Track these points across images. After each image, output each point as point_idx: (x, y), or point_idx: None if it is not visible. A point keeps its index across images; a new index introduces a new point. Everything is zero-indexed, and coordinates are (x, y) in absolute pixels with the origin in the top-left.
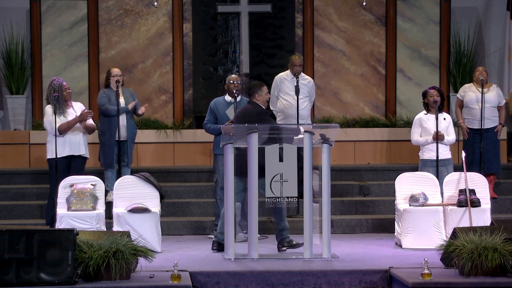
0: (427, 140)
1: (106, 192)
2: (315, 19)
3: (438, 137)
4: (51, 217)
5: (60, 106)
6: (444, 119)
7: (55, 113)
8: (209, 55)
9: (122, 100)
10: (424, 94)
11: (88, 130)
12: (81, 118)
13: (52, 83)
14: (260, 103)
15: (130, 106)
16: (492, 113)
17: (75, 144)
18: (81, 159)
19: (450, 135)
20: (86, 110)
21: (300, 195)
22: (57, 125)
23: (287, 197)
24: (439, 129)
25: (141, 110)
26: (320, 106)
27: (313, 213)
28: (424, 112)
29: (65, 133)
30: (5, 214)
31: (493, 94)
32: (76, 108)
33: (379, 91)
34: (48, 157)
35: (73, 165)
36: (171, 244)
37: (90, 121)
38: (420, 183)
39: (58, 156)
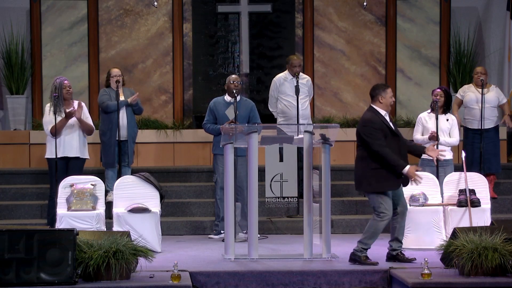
0: (424, 140)
1: (106, 192)
2: (315, 19)
3: (437, 137)
4: (52, 217)
5: (58, 105)
6: (447, 120)
7: (55, 113)
8: (209, 55)
9: (122, 100)
10: (432, 93)
11: (86, 131)
12: (67, 118)
13: (55, 81)
14: (381, 108)
15: (130, 100)
16: (492, 113)
17: (70, 146)
18: (78, 160)
19: (454, 136)
20: (71, 110)
21: (300, 195)
22: (51, 127)
23: (287, 197)
24: (439, 130)
25: (131, 99)
26: (320, 106)
27: (313, 213)
28: (428, 111)
29: (59, 134)
30: (5, 214)
31: (493, 94)
32: (76, 107)
33: None
34: (46, 156)
35: (70, 166)
36: (171, 244)
37: (88, 122)
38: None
39: (52, 157)
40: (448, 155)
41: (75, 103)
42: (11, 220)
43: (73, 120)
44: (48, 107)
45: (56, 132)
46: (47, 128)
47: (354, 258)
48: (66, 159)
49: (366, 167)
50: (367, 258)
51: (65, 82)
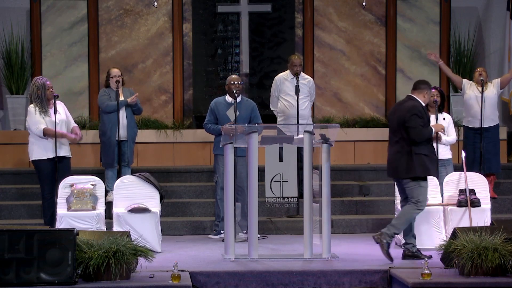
0: None
1: (106, 192)
2: (315, 19)
3: (437, 137)
4: (49, 218)
5: (43, 105)
6: (444, 119)
7: (54, 113)
8: (209, 55)
9: (122, 99)
10: None
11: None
12: (69, 139)
13: (36, 82)
14: (423, 101)
15: (129, 100)
16: (492, 112)
17: (60, 146)
18: (67, 160)
19: (450, 135)
20: (79, 136)
21: (300, 195)
22: (43, 127)
23: (287, 197)
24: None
25: (130, 99)
26: (320, 106)
27: (313, 213)
28: None
29: (51, 135)
30: (5, 214)
31: (491, 90)
32: (59, 108)
33: (379, 91)
34: (34, 158)
35: (61, 166)
36: (171, 244)
37: (73, 122)
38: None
39: (43, 158)
40: (448, 154)
41: (60, 104)
42: (11, 220)
43: (61, 120)
44: (33, 107)
45: (55, 132)
46: (36, 127)
47: (408, 254)
48: (53, 160)
49: (409, 154)
50: (419, 251)
51: (47, 82)
